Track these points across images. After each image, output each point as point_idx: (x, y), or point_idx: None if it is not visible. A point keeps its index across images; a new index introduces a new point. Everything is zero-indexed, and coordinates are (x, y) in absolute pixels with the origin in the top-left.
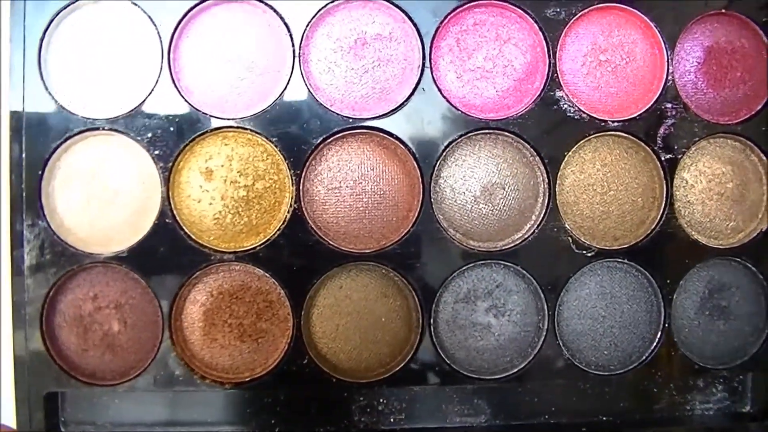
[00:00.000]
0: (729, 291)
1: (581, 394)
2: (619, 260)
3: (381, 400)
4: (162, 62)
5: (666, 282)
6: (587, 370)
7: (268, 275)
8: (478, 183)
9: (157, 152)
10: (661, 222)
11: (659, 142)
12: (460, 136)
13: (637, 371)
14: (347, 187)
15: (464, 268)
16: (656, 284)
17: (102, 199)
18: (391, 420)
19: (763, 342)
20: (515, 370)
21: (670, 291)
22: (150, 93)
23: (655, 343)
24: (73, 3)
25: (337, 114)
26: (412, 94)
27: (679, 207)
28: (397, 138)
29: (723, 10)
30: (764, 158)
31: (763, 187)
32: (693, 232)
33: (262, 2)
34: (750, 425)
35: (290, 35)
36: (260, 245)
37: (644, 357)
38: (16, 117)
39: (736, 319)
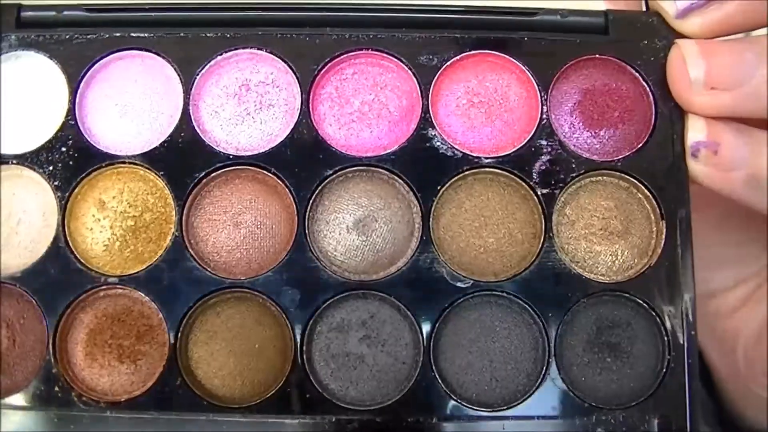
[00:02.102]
0: (620, 328)
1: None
2: (498, 293)
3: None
4: (68, 106)
5: (549, 316)
6: (468, 406)
7: (149, 299)
8: (352, 216)
9: (56, 183)
10: (541, 255)
11: (535, 177)
12: (335, 172)
13: (523, 408)
14: (227, 218)
15: (338, 297)
16: (539, 319)
17: (7, 227)
18: None
19: (659, 381)
20: (390, 402)
21: (553, 326)
22: (56, 132)
23: (539, 380)
24: None
25: (222, 153)
26: (290, 135)
27: (561, 243)
28: (276, 174)
29: (597, 55)
30: (648, 194)
31: (651, 224)
32: (576, 268)
33: (160, 56)
34: None
35: (182, 83)
36: (143, 270)
37: (528, 394)
38: None
39: (630, 356)
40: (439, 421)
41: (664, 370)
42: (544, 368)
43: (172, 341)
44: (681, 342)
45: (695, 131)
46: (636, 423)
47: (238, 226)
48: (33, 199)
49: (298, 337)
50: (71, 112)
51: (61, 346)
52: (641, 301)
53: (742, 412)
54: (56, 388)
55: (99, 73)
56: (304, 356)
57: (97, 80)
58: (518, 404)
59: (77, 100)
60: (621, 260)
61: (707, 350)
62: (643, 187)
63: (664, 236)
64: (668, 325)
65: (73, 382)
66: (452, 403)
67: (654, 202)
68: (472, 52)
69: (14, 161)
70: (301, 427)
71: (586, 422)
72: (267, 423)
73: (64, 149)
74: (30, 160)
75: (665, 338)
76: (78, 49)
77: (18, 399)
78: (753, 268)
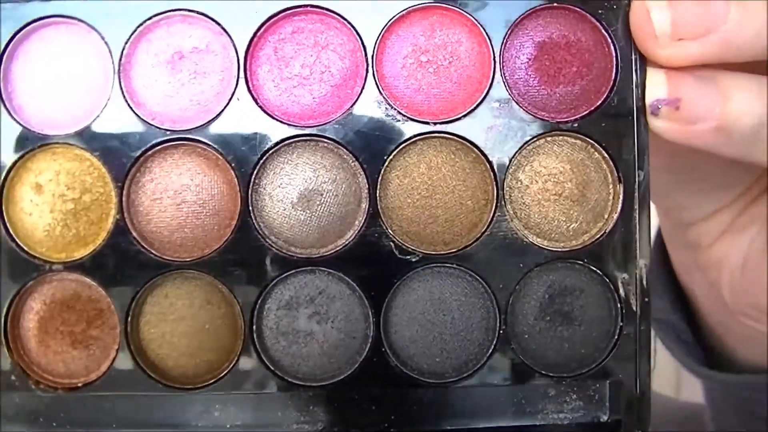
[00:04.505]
0: (572, 295)
1: (420, 402)
2: (448, 265)
3: (217, 406)
4: None
5: (500, 287)
6: (418, 378)
7: (96, 284)
8: (296, 190)
9: None
10: (493, 224)
11: (488, 142)
12: (277, 144)
13: (474, 378)
14: (168, 197)
15: (286, 275)
16: (490, 289)
17: None
18: (227, 426)
19: (611, 348)
20: (342, 377)
21: (505, 296)
22: None
23: (490, 350)
24: None
25: (157, 127)
26: (228, 104)
27: (513, 209)
28: (215, 148)
29: (554, 3)
30: (606, 155)
31: (608, 187)
32: (529, 235)
33: (86, 23)
34: None
35: (111, 53)
36: (87, 255)
37: (479, 364)
38: None
39: (582, 324)
40: (390, 394)
41: (616, 336)
42: (496, 338)
43: (123, 325)
44: (634, 309)
45: (654, 87)
46: (588, 389)
47: (179, 206)
48: None
49: (248, 316)
50: None
51: (14, 334)
52: (594, 268)
53: (728, 346)
54: (12, 378)
55: (22, 44)
56: (254, 335)
57: (19, 53)
58: (469, 375)
59: (1, 76)
60: (576, 225)
61: (690, 285)
62: (600, 148)
63: (621, 200)
64: (621, 292)
65: (29, 368)
66: (403, 375)
67: (612, 164)
68: (420, 4)
69: None
70: (255, 403)
71: (538, 390)
72: (222, 400)
73: None
74: None
75: (618, 305)
76: None
77: None
78: (728, 196)
